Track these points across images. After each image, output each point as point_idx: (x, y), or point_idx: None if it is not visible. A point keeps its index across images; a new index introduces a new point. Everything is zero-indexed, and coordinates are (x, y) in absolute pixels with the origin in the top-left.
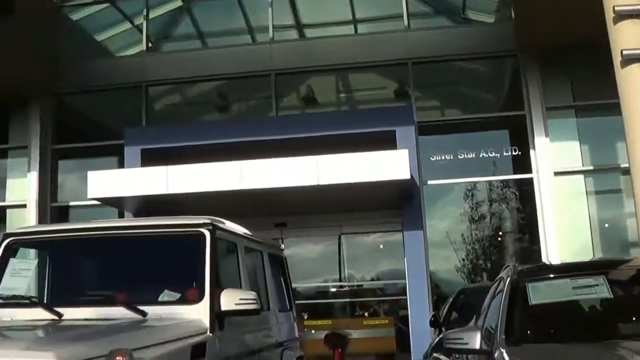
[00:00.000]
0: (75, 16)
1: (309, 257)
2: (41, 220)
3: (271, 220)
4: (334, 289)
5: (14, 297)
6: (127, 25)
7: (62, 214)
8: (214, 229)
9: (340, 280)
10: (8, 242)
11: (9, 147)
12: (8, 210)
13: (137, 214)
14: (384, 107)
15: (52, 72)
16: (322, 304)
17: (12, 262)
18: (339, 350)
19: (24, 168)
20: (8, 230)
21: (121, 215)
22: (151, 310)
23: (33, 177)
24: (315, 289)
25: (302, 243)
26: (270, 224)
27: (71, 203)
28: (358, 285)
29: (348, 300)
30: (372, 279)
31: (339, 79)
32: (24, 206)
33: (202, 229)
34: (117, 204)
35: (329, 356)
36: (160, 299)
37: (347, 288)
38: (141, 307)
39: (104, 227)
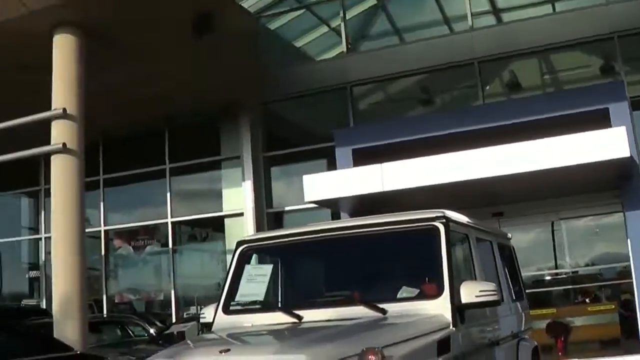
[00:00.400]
0: (272, 25)
1: (522, 246)
2: (259, 227)
3: (488, 210)
4: (549, 277)
5: (253, 302)
6: (324, 28)
7: (277, 219)
8: (447, 221)
9: (556, 267)
10: (242, 249)
11: (223, 158)
12: (226, 220)
13: (353, 214)
14: (595, 84)
15: (257, 82)
16: (542, 293)
17: (247, 268)
18: (562, 338)
19: (238, 178)
20: (240, 239)
21: (335, 217)
22: (390, 307)
23: (248, 185)
24: (532, 278)
25: (513, 231)
26: (487, 214)
27: (286, 208)
28: (574, 272)
29: (569, 287)
30: (587, 264)
31: (542, 60)
32: (241, 214)
33: (435, 223)
34: (333, 206)
35: (551, 345)
36: (399, 295)
37: (564, 275)
38: (380, 305)
39: (336, 228)
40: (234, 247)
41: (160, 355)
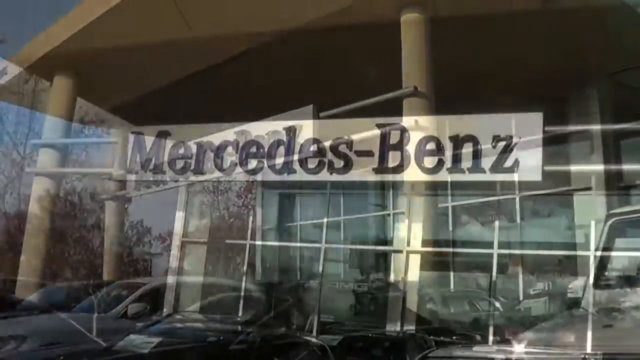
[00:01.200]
0: None
1: None
2: (609, 202)
3: None
4: None
5: (623, 277)
6: None
7: (627, 194)
8: None
9: None
10: (612, 222)
11: (570, 131)
12: (574, 195)
13: None
14: None
15: (605, 51)
16: None
17: (618, 242)
18: None
19: (586, 151)
20: (611, 211)
21: None
22: None
23: (597, 160)
24: None
25: None
26: None
27: (637, 182)
28: None
29: None
30: None
31: None
32: (589, 189)
33: None
34: None
35: None
36: None
37: None
38: None
39: None
40: (581, 223)
41: (536, 329)
